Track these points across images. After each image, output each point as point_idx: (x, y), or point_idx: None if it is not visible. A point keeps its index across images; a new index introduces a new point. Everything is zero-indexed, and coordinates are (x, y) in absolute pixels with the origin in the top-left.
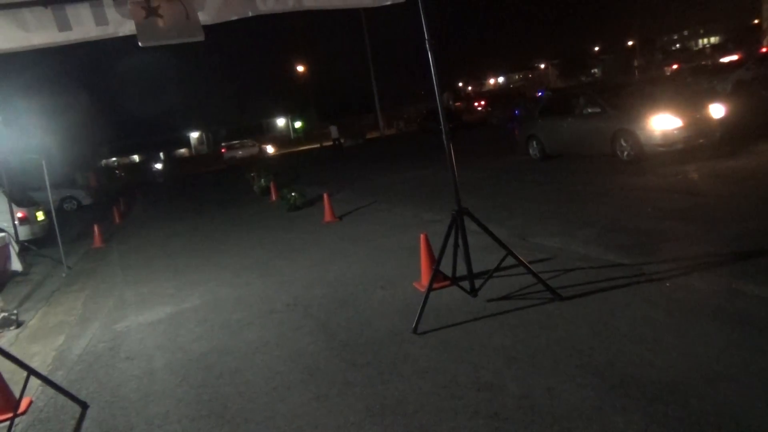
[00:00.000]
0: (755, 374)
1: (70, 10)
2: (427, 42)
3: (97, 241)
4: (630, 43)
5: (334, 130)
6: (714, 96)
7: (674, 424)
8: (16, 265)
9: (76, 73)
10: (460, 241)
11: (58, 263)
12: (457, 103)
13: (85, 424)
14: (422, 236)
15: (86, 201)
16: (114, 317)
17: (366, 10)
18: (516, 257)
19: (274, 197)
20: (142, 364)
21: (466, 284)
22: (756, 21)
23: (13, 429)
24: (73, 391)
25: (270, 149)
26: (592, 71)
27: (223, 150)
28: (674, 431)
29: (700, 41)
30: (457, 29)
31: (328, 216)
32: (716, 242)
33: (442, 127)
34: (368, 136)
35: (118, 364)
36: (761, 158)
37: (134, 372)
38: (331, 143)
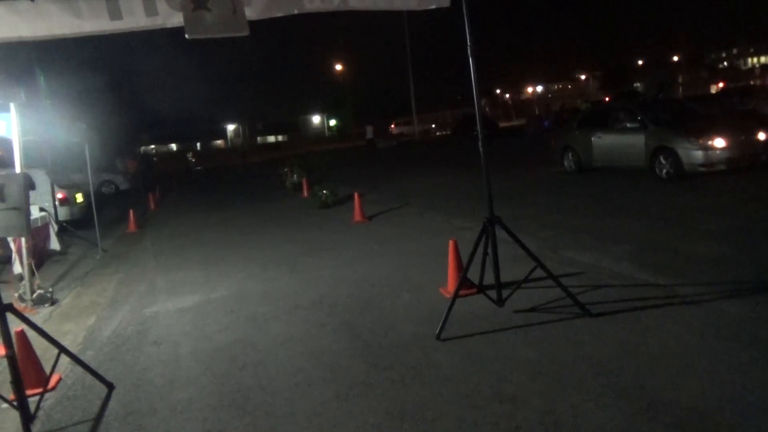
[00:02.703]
0: None
1: (123, 0)
2: (469, 48)
3: (132, 226)
4: (675, 58)
5: (369, 131)
6: (762, 118)
7: None
8: (54, 244)
9: (120, 61)
10: (489, 250)
11: (93, 245)
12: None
13: (111, 404)
14: (451, 242)
15: (123, 186)
16: (144, 302)
17: (409, 12)
18: (545, 269)
19: (305, 194)
20: (169, 350)
21: (492, 293)
22: None
23: (42, 404)
24: (101, 372)
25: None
26: (635, 85)
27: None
28: None
29: (750, 60)
30: (498, 35)
31: (357, 216)
32: (753, 268)
33: (479, 133)
34: (403, 137)
35: (145, 348)
36: None
37: (160, 357)
38: (364, 143)
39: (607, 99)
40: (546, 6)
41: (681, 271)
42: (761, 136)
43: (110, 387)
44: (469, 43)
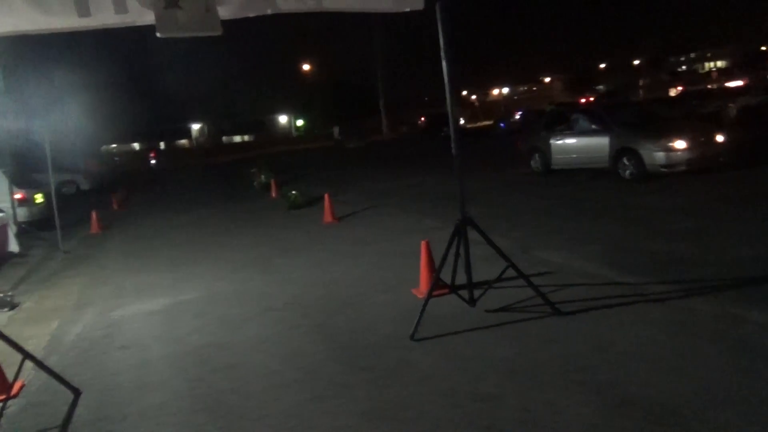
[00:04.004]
0: (756, 401)
1: None
2: (442, 51)
3: (95, 227)
4: (636, 62)
5: (336, 131)
6: (719, 120)
7: None
8: (13, 246)
9: (83, 57)
10: (461, 250)
11: (54, 247)
12: (421, 118)
13: (78, 410)
14: (423, 243)
15: (85, 186)
16: (110, 305)
17: (380, 13)
18: (517, 269)
19: (274, 194)
20: (138, 353)
21: (465, 293)
22: (763, 48)
23: (4, 411)
24: (67, 377)
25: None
26: (598, 87)
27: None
28: None
29: (707, 64)
30: (466, 37)
31: (328, 217)
32: (718, 266)
33: (452, 135)
34: (371, 138)
35: (113, 352)
36: (764, 183)
37: (129, 361)
38: (332, 143)
39: (583, 100)
40: (512, 9)
41: (648, 270)
42: (719, 138)
43: (77, 393)
44: (442, 47)
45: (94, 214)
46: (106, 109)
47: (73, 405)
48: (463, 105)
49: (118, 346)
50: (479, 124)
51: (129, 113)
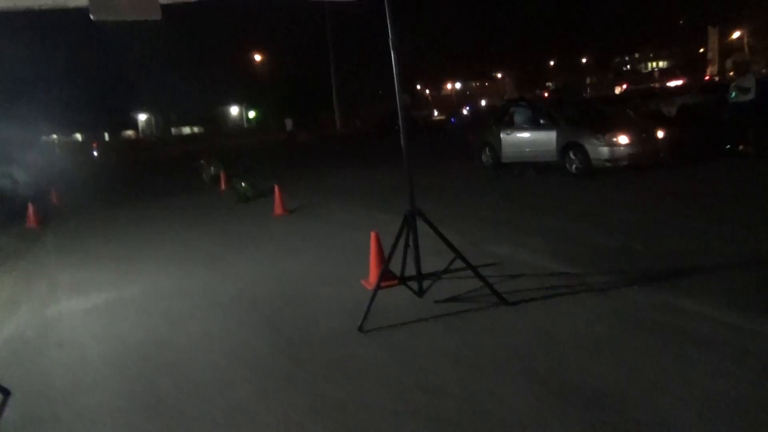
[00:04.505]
0: (688, 386)
1: None
2: (390, 41)
3: (32, 221)
4: (584, 60)
5: (289, 123)
6: (660, 118)
7: (609, 431)
8: None
9: (17, 42)
10: (410, 241)
11: None
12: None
13: (6, 412)
14: (373, 234)
15: (22, 178)
16: (45, 302)
17: (331, 4)
18: (464, 260)
19: (224, 187)
20: (74, 352)
21: (414, 284)
22: (702, 50)
23: None
24: None
25: None
26: (547, 84)
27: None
28: None
29: (649, 64)
30: (419, 30)
31: (278, 209)
32: (657, 258)
33: (401, 128)
34: (324, 132)
35: (47, 351)
36: (703, 179)
37: (65, 360)
38: (284, 136)
39: (546, 94)
40: (465, 4)
41: (590, 261)
42: (660, 134)
43: (6, 393)
44: (390, 36)
45: (30, 208)
46: (46, 98)
47: (1, 407)
48: (416, 99)
49: (53, 345)
50: (434, 118)
51: (71, 102)
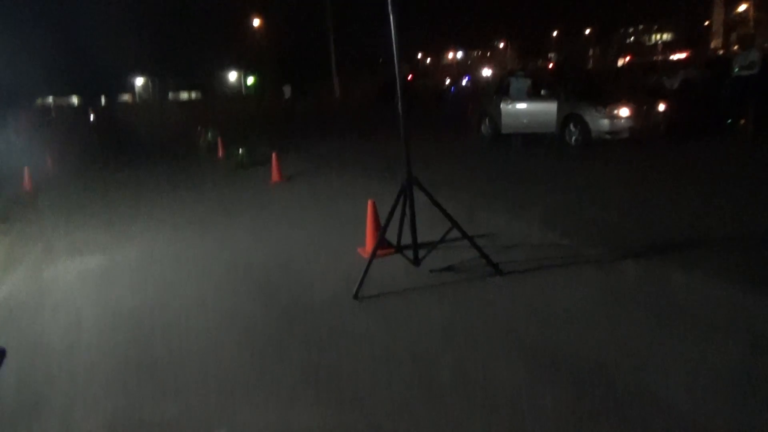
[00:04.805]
0: (677, 359)
1: None
2: (389, 5)
3: (27, 185)
4: (587, 31)
5: (287, 91)
6: (661, 91)
7: (600, 402)
8: None
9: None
10: (407, 210)
11: None
12: (409, 76)
13: (1, 373)
14: (370, 202)
15: (17, 141)
16: (41, 264)
17: None
18: (461, 230)
19: (221, 154)
20: (69, 314)
21: (409, 253)
22: (707, 23)
23: None
24: None
25: None
26: (549, 55)
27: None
28: (600, 409)
29: (653, 37)
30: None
31: (275, 176)
32: (652, 231)
33: (399, 96)
34: (323, 100)
35: (42, 312)
36: (701, 154)
37: (60, 322)
38: (283, 103)
39: (551, 66)
40: None
41: (586, 234)
42: (661, 107)
43: (1, 353)
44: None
45: (26, 171)
46: (42, 61)
47: None
48: (417, 69)
49: (47, 307)
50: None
51: (68, 65)
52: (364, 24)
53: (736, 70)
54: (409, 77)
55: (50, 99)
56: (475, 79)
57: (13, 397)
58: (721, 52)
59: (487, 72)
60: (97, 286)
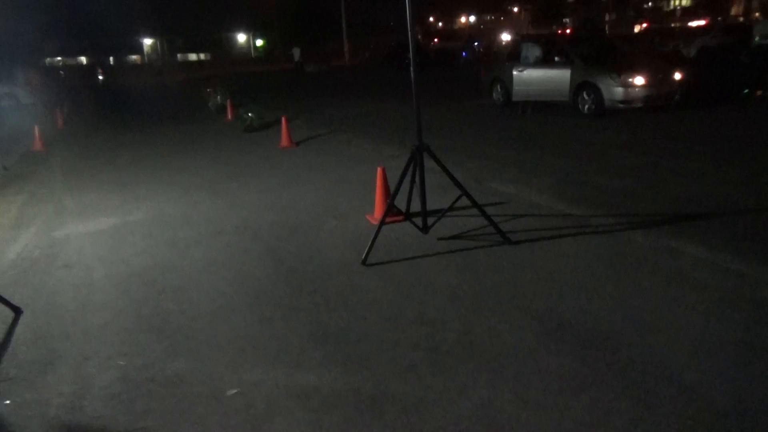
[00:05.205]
0: (682, 328)
1: None
2: None
3: (38, 144)
4: None
5: (297, 53)
6: (679, 59)
7: (603, 369)
8: None
9: None
10: (416, 178)
11: None
12: (435, 40)
13: (18, 329)
14: (379, 169)
15: (26, 100)
16: (53, 224)
17: None
18: (470, 198)
19: (230, 116)
20: (81, 273)
21: (418, 221)
22: None
23: None
24: (5, 296)
25: None
26: (564, 20)
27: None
28: (603, 375)
29: (672, 2)
30: None
31: (285, 141)
32: (662, 202)
33: (411, 60)
34: (332, 63)
35: (55, 271)
36: (716, 124)
37: (72, 281)
38: (292, 66)
39: (568, 31)
40: None
41: (596, 203)
42: (677, 76)
43: (17, 311)
44: None
45: (36, 130)
46: (50, 19)
47: (13, 324)
48: (428, 32)
49: (60, 266)
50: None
51: (76, 25)
52: None
53: (757, 39)
54: (436, 40)
55: (58, 59)
56: (488, 44)
57: (31, 354)
58: (741, 19)
59: (506, 37)
60: (109, 247)
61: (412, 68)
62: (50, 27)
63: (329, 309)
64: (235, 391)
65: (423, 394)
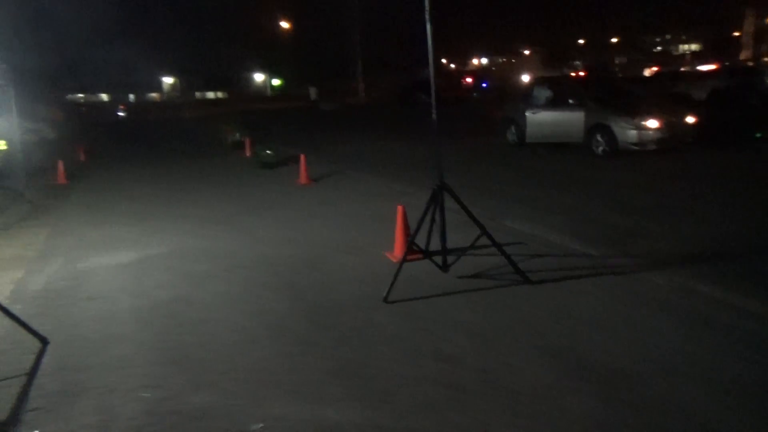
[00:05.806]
0: (700, 368)
1: None
2: (426, 12)
3: (61, 178)
4: (614, 40)
5: (313, 92)
6: (690, 102)
7: (622, 408)
8: None
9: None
10: (437, 216)
11: (18, 195)
12: (469, 78)
13: (44, 360)
14: (400, 207)
15: (50, 135)
16: (76, 256)
17: None
18: (490, 238)
19: (247, 153)
20: (104, 305)
21: (438, 259)
22: (736, 33)
23: None
24: (33, 327)
25: None
26: (574, 63)
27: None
28: (623, 415)
29: (681, 47)
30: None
31: (303, 178)
32: (676, 242)
33: (432, 101)
34: (348, 101)
35: (79, 303)
36: (727, 165)
37: (95, 313)
38: (308, 104)
39: (582, 73)
40: None
41: (612, 243)
42: (689, 119)
43: (44, 342)
44: (426, 8)
45: (60, 164)
46: (73, 58)
47: (40, 354)
48: (441, 73)
49: (84, 298)
50: (457, 93)
51: (98, 63)
52: (388, 27)
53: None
54: (469, 79)
55: (80, 96)
56: (501, 85)
57: (57, 384)
58: (750, 64)
59: (525, 78)
60: (130, 280)
61: (433, 111)
62: (73, 65)
63: (347, 344)
64: (261, 425)
65: (444, 430)
